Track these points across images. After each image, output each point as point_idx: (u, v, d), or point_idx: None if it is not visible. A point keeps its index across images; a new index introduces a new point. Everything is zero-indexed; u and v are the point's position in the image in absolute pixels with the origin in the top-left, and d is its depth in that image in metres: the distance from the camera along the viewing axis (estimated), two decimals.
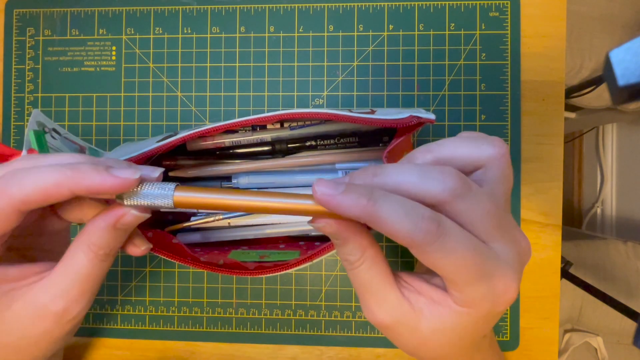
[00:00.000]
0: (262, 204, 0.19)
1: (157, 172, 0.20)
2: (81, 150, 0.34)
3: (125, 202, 0.20)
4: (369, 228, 0.20)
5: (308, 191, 0.34)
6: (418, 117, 0.26)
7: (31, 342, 0.20)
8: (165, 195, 0.20)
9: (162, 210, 0.21)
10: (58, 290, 0.20)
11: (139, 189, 0.20)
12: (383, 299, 0.19)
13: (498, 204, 0.19)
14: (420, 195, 0.18)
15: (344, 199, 0.17)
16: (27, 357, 0.21)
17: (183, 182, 0.36)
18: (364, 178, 0.19)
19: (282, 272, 0.28)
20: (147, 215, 0.21)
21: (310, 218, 0.19)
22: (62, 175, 0.18)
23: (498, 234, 0.18)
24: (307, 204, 0.19)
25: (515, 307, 0.38)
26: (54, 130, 0.32)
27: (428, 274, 0.21)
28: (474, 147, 0.19)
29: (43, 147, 0.30)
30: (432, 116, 0.26)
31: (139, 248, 0.23)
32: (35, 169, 0.18)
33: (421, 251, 0.17)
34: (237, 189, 0.21)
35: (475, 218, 0.18)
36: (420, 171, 0.18)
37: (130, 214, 0.20)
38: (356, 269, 0.19)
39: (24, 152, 0.28)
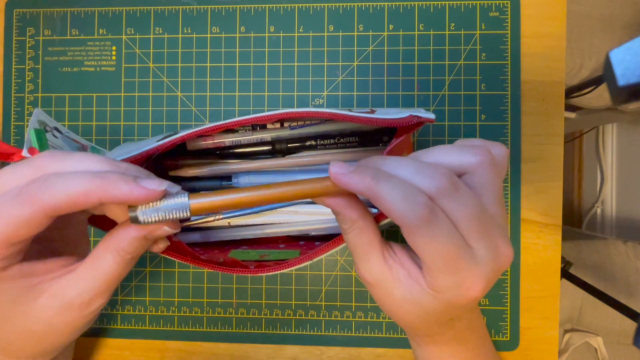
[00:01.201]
0: (274, 194, 0.21)
1: (176, 187, 0.21)
2: (83, 149, 0.34)
3: (140, 217, 0.20)
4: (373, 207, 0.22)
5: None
6: (418, 117, 0.26)
7: (55, 331, 0.22)
8: (181, 205, 0.20)
9: (179, 220, 0.21)
10: (84, 286, 0.21)
11: (155, 203, 0.20)
12: (367, 260, 0.23)
13: (483, 208, 0.20)
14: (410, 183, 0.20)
15: (352, 177, 0.20)
16: (50, 344, 0.23)
17: (183, 182, 0.36)
18: (368, 164, 0.21)
19: (282, 271, 0.28)
20: (178, 230, 0.22)
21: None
22: (92, 184, 0.19)
23: (478, 237, 0.20)
24: (313, 187, 0.21)
25: (515, 307, 0.38)
26: (56, 129, 0.32)
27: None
28: (457, 156, 0.21)
29: (44, 146, 0.30)
30: (432, 116, 0.26)
31: (159, 246, 0.24)
32: (66, 176, 0.19)
33: (409, 232, 0.20)
34: (247, 187, 0.21)
35: (459, 218, 0.20)
36: (416, 166, 0.20)
37: (162, 230, 0.21)
38: (347, 234, 0.23)
39: (24, 150, 0.28)
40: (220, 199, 0.21)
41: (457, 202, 0.19)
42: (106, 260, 0.21)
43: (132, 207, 0.20)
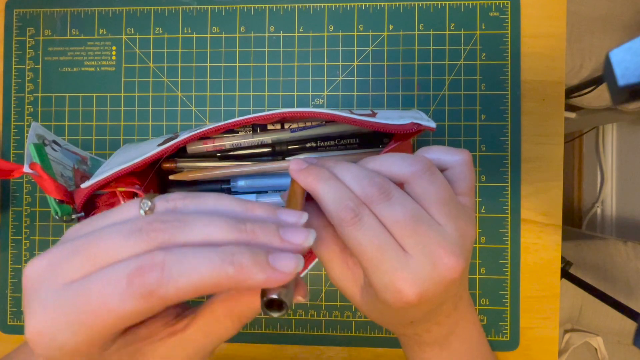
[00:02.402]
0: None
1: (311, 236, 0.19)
2: (83, 161, 0.34)
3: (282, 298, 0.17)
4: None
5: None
6: (418, 125, 0.26)
7: None
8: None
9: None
10: (194, 348, 0.19)
11: None
12: (331, 267, 0.24)
13: (420, 217, 0.21)
14: (392, 173, 0.22)
15: (300, 173, 0.22)
16: None
17: (183, 186, 0.36)
18: (325, 163, 0.23)
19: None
20: (308, 298, 0.21)
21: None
22: (222, 273, 0.16)
23: (412, 242, 0.21)
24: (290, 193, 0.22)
25: (515, 307, 0.38)
26: (54, 142, 0.32)
27: None
28: (393, 165, 0.23)
29: (45, 160, 0.29)
30: (432, 124, 0.27)
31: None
32: (190, 263, 0.16)
33: (338, 231, 0.21)
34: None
35: (388, 223, 0.21)
36: (355, 172, 0.22)
37: (297, 299, 0.19)
38: (314, 245, 0.23)
39: (25, 166, 0.28)
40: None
41: (386, 209, 0.20)
42: (225, 326, 0.19)
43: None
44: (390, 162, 0.22)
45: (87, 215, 0.31)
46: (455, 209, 0.21)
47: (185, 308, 0.20)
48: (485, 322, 0.38)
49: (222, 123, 0.28)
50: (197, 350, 0.19)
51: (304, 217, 0.19)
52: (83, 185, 0.29)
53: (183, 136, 0.28)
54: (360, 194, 0.21)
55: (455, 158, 0.23)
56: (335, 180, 0.22)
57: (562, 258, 0.59)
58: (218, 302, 0.19)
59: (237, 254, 0.16)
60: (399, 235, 0.20)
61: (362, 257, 0.21)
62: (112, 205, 0.34)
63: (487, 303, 0.38)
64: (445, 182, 0.22)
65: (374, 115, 0.27)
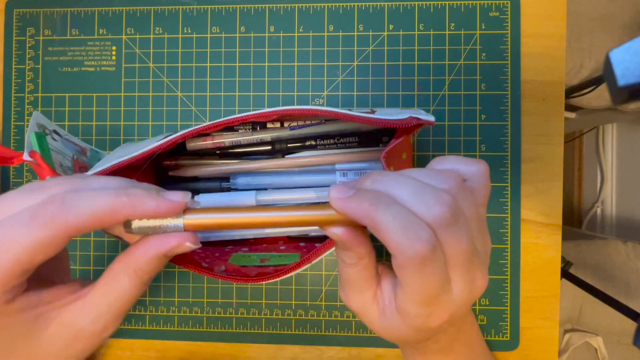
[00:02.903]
0: (276, 218, 0.20)
1: (197, 203, 0.20)
2: (82, 152, 0.34)
3: (134, 229, 0.20)
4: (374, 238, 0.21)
5: (308, 192, 0.33)
6: (417, 119, 0.26)
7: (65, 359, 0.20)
8: (175, 225, 0.20)
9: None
10: (98, 312, 0.20)
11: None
12: (360, 293, 0.22)
13: (473, 242, 0.19)
14: (411, 212, 0.19)
15: (350, 202, 0.19)
16: None
17: (183, 182, 0.36)
18: (366, 184, 0.20)
19: (283, 277, 0.28)
20: (199, 245, 0.21)
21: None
22: (119, 201, 0.18)
23: (461, 272, 0.19)
24: (319, 215, 0.20)
25: (515, 307, 0.38)
26: (55, 132, 0.32)
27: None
28: (461, 165, 0.21)
29: (45, 149, 0.30)
30: (431, 118, 0.26)
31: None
32: (89, 194, 0.18)
33: (401, 264, 0.18)
34: (250, 208, 0.21)
35: (452, 253, 0.19)
36: (415, 188, 0.19)
37: (185, 246, 0.20)
38: (349, 268, 0.22)
39: (25, 154, 0.28)
40: (218, 217, 0.20)
41: (455, 236, 0.18)
42: (122, 283, 0.20)
43: (126, 224, 0.19)
44: (423, 179, 0.20)
45: None
46: (484, 226, 0.21)
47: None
48: (485, 322, 0.38)
49: (221, 120, 0.28)
50: (101, 313, 0.20)
51: (187, 194, 0.20)
52: None
53: (182, 132, 0.28)
54: (428, 216, 0.18)
55: (473, 169, 0.21)
56: (397, 205, 0.18)
57: (562, 258, 0.59)
58: (115, 261, 0.20)
59: (131, 188, 0.19)
60: (455, 263, 0.19)
61: (415, 289, 0.19)
62: None
63: (487, 303, 0.38)
64: (474, 199, 0.20)
65: (373, 113, 0.28)
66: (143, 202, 0.18)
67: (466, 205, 0.19)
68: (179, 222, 0.20)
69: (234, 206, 0.21)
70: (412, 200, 0.18)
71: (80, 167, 0.34)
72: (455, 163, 0.21)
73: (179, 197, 0.19)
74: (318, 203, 0.20)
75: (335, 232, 0.20)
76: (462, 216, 0.19)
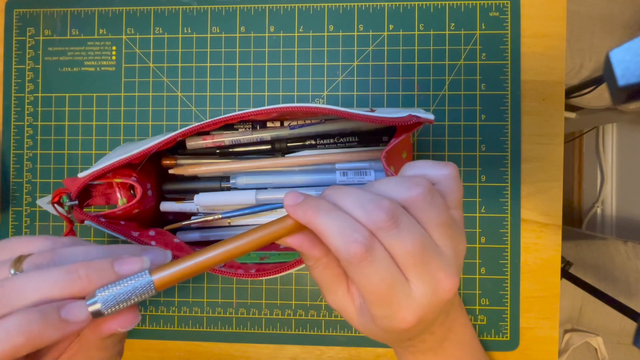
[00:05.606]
0: (236, 248, 0.20)
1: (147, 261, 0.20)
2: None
3: (104, 310, 0.19)
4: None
5: (308, 192, 0.34)
6: (417, 117, 0.26)
7: None
8: (145, 286, 0.19)
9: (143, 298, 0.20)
10: None
11: (113, 289, 0.19)
12: (333, 292, 0.23)
13: (426, 242, 0.20)
14: (356, 220, 0.20)
15: (297, 208, 0.20)
16: None
17: (182, 181, 0.36)
18: (322, 194, 0.22)
19: (282, 274, 0.28)
20: (137, 321, 0.20)
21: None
22: (15, 344, 0.17)
23: (416, 272, 0.20)
24: (276, 230, 0.21)
25: (515, 307, 0.38)
26: None
27: None
28: (430, 169, 0.22)
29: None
30: (430, 116, 0.26)
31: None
32: None
33: (345, 267, 0.20)
34: (208, 248, 0.20)
35: (397, 253, 0.20)
36: (358, 197, 0.20)
37: (119, 332, 0.20)
38: (312, 270, 0.23)
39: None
40: (184, 267, 0.19)
41: (396, 238, 0.19)
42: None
43: (90, 296, 0.19)
44: (387, 188, 0.21)
45: (80, 204, 0.31)
46: (451, 229, 0.21)
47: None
48: (485, 322, 0.38)
49: (221, 117, 0.28)
50: None
51: (146, 262, 0.19)
52: (80, 175, 0.29)
53: (181, 130, 0.28)
54: (366, 221, 0.19)
55: (442, 172, 0.22)
56: (337, 211, 0.20)
57: (562, 258, 0.59)
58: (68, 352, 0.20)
59: (25, 324, 0.17)
60: (405, 264, 0.20)
61: (368, 293, 0.20)
62: (107, 195, 0.34)
63: (487, 303, 0.38)
64: (444, 203, 0.21)
65: (373, 112, 0.28)
66: (44, 337, 0.17)
67: (432, 212, 0.20)
68: (150, 286, 0.19)
69: (198, 251, 0.20)
70: (353, 208, 0.20)
71: None
72: (424, 168, 0.22)
73: (82, 315, 0.18)
74: (278, 218, 0.21)
75: (286, 240, 0.21)
76: (406, 220, 0.20)
